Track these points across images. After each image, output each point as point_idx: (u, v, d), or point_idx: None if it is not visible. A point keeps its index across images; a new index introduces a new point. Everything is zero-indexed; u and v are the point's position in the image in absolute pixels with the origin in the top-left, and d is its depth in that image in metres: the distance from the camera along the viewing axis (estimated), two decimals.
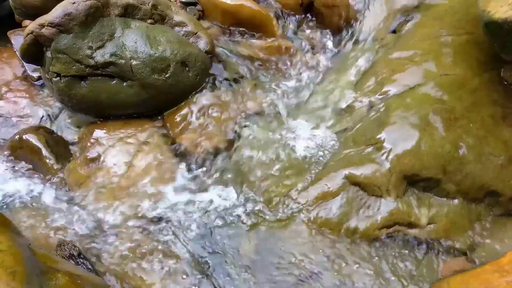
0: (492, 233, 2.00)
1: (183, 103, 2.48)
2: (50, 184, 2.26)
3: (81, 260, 1.80)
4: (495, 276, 1.68)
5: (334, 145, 2.24)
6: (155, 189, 2.19)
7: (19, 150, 2.37)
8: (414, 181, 2.01)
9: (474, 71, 2.20)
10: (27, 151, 2.35)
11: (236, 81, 2.61)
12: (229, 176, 2.23)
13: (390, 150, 2.02)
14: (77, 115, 2.54)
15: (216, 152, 2.33)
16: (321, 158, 2.20)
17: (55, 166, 2.30)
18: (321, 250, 1.90)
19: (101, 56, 2.30)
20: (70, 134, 2.50)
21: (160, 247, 1.96)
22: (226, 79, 2.59)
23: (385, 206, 1.96)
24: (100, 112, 2.46)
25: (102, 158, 2.29)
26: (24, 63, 2.79)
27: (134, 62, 2.32)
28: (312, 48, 2.90)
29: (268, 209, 2.05)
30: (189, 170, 2.27)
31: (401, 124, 2.09)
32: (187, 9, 2.93)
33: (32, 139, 2.34)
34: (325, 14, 2.92)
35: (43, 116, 2.62)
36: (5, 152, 2.38)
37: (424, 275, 1.85)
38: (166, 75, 2.37)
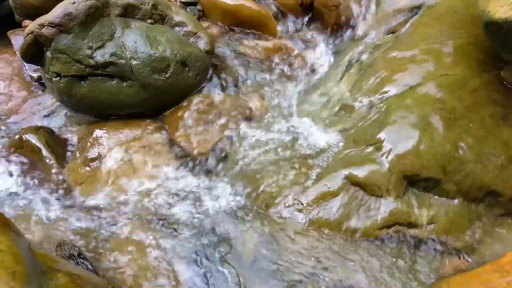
0: (492, 233, 2.00)
1: (183, 103, 2.48)
2: (50, 184, 2.26)
3: (81, 260, 1.80)
4: (495, 276, 1.68)
5: (334, 145, 2.24)
6: (155, 189, 2.19)
7: (19, 150, 2.37)
8: (414, 181, 2.01)
9: (474, 71, 2.20)
10: (27, 151, 2.35)
11: (236, 81, 2.61)
12: (228, 176, 2.23)
13: (390, 150, 2.02)
14: (77, 115, 2.54)
15: (215, 152, 2.33)
16: (321, 158, 2.20)
17: (55, 166, 2.30)
18: (321, 250, 1.90)
19: (101, 56, 2.30)
20: (70, 134, 2.50)
21: (158, 245, 1.96)
22: (226, 79, 2.59)
23: (385, 206, 1.96)
24: (100, 112, 2.46)
25: (102, 158, 2.29)
26: (24, 63, 2.79)
27: (134, 62, 2.32)
28: (312, 48, 2.90)
29: (267, 209, 2.05)
30: (188, 169, 2.27)
31: (401, 124, 2.09)
32: (187, 9, 2.93)
33: (32, 139, 2.34)
34: (325, 14, 2.92)
35: (43, 116, 2.62)
36: (5, 152, 2.38)
37: (424, 275, 1.85)
38: (166, 75, 2.37)
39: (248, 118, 2.47)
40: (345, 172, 2.02)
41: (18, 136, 2.37)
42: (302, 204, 2.01)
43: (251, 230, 2.00)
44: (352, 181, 2.00)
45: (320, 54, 2.86)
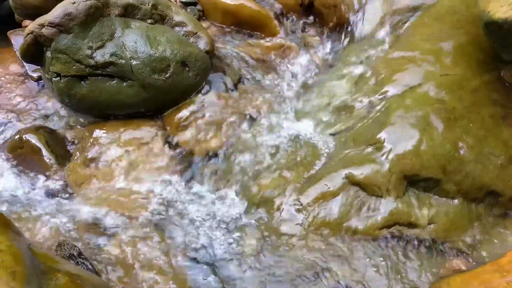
0: (492, 233, 2.00)
1: (183, 103, 2.48)
2: (50, 184, 2.26)
3: (81, 260, 1.80)
4: (495, 276, 1.68)
5: (334, 145, 2.24)
6: (154, 189, 2.19)
7: (19, 150, 2.37)
8: (414, 181, 2.01)
9: (474, 71, 2.21)
10: (27, 151, 2.35)
11: (236, 81, 2.61)
12: (228, 176, 2.23)
13: (390, 150, 2.02)
14: (77, 115, 2.54)
15: (215, 152, 2.33)
16: (320, 159, 2.20)
17: (55, 166, 2.30)
18: (320, 251, 1.90)
19: (101, 56, 2.30)
20: (70, 134, 2.50)
21: (159, 246, 1.96)
22: (226, 79, 2.59)
23: (385, 206, 1.96)
24: (100, 112, 2.46)
25: (102, 158, 2.29)
26: (24, 63, 2.79)
27: (134, 62, 2.32)
28: (312, 48, 2.90)
29: (267, 210, 2.05)
30: (188, 170, 2.27)
31: (401, 124, 2.09)
32: (187, 9, 2.93)
33: (32, 139, 2.34)
34: (325, 14, 2.92)
35: (43, 116, 2.62)
36: (5, 152, 2.38)
37: (424, 275, 1.85)
38: (166, 75, 2.37)
39: (248, 119, 2.47)
40: (345, 172, 2.02)
41: (18, 136, 2.37)
42: (302, 204, 2.01)
43: (251, 231, 2.00)
44: (352, 181, 2.00)
45: (320, 54, 2.86)
